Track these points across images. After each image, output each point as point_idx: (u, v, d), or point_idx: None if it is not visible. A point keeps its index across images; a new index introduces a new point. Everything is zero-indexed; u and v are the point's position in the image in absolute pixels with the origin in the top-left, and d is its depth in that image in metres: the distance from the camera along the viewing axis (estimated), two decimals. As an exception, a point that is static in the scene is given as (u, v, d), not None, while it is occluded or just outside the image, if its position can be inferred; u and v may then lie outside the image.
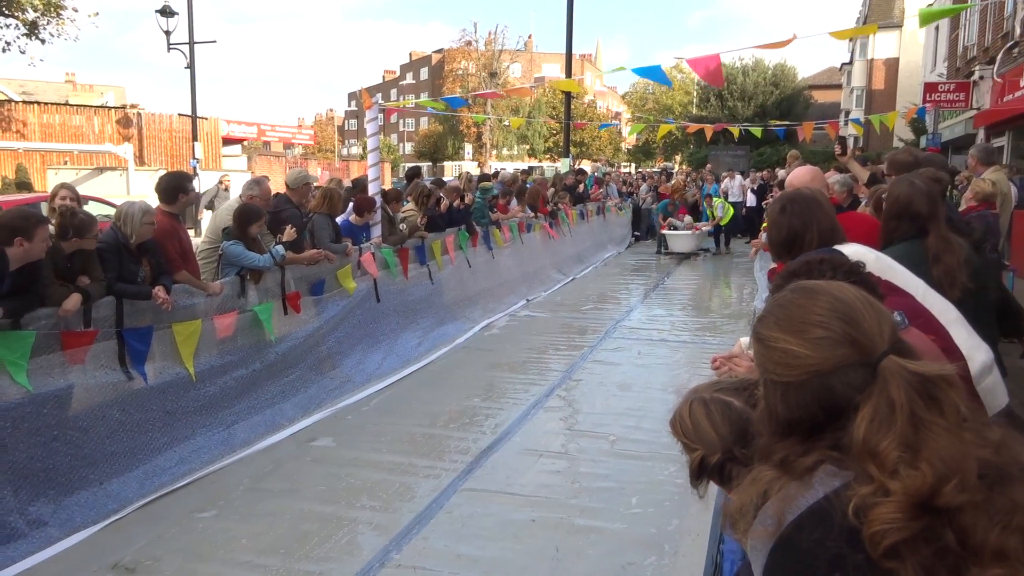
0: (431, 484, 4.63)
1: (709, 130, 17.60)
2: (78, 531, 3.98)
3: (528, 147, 57.98)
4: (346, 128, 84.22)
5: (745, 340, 2.99)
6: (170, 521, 4.17)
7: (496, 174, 14.94)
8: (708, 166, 23.41)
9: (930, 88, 20.55)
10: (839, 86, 49.63)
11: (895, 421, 1.03)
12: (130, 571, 3.66)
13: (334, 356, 6.66)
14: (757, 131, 16.24)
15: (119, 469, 4.46)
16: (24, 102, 29.91)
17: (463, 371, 7.30)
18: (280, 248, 5.93)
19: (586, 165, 39.44)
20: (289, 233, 6.05)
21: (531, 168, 33.87)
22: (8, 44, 25.50)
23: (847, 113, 40.28)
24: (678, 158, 48.71)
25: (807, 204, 2.62)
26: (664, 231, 15.73)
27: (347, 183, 10.66)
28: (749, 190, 18.25)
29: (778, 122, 16.47)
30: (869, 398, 1.07)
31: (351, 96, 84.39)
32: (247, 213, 5.83)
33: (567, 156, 19.11)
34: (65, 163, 26.29)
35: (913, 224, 3.12)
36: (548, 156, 56.28)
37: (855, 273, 1.83)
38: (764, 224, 6.52)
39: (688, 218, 15.93)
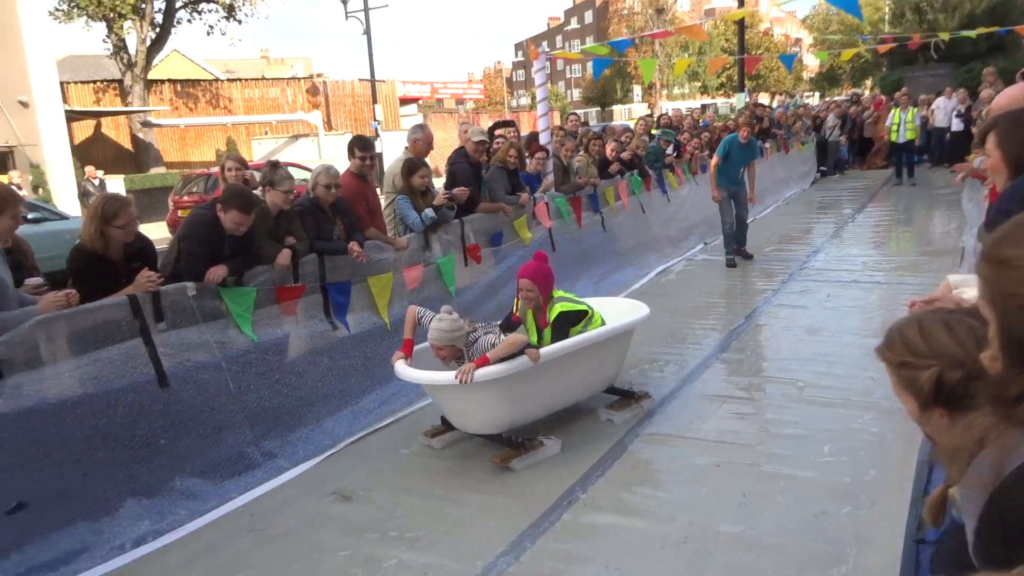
0: (613, 427, 4.72)
1: (915, 39, 15.44)
2: (301, 463, 4.48)
3: (700, 84, 55.48)
4: (514, 79, 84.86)
5: (955, 278, 2.72)
6: (377, 456, 4.58)
7: (661, 118, 14.57)
8: (904, 88, 21.17)
9: None
10: (1070, -18, 42.61)
11: None
12: (347, 499, 4.08)
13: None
14: (971, 34, 14.12)
15: (331, 409, 4.95)
16: (228, 80, 33.00)
17: (640, 317, 7.26)
18: (429, 211, 6.10)
19: (764, 98, 37.09)
20: (441, 198, 6.22)
21: (704, 106, 32.38)
22: (211, 27, 28.32)
23: (1081, 13, 34.46)
24: (868, 83, 44.37)
25: None
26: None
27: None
28: (954, 113, 16.24)
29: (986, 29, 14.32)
30: None
31: (517, 47, 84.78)
32: (409, 166, 6.11)
33: (742, 91, 18.12)
34: (266, 133, 28.81)
35: None
36: (721, 92, 53.57)
37: None
38: (972, 151, 5.84)
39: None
